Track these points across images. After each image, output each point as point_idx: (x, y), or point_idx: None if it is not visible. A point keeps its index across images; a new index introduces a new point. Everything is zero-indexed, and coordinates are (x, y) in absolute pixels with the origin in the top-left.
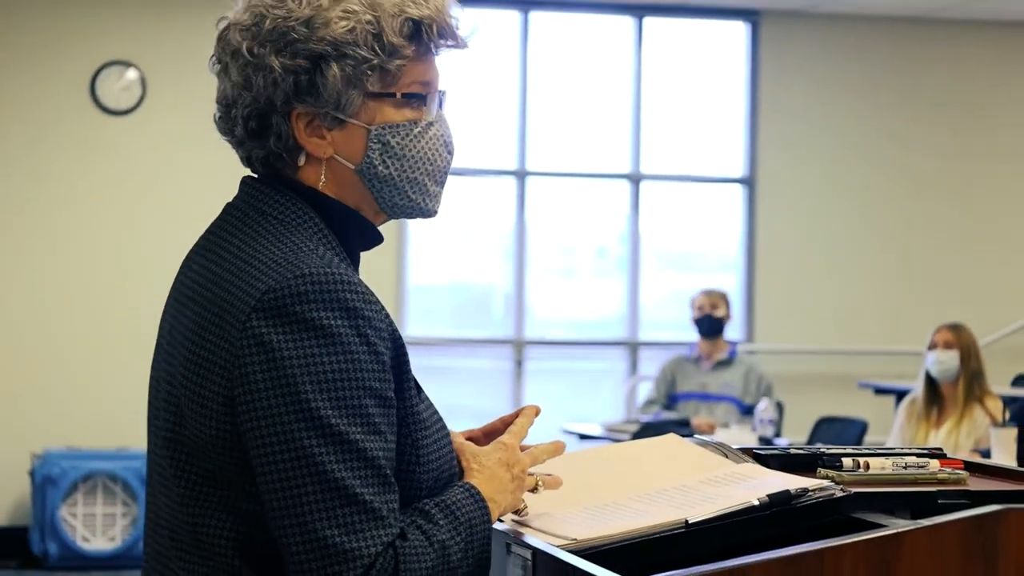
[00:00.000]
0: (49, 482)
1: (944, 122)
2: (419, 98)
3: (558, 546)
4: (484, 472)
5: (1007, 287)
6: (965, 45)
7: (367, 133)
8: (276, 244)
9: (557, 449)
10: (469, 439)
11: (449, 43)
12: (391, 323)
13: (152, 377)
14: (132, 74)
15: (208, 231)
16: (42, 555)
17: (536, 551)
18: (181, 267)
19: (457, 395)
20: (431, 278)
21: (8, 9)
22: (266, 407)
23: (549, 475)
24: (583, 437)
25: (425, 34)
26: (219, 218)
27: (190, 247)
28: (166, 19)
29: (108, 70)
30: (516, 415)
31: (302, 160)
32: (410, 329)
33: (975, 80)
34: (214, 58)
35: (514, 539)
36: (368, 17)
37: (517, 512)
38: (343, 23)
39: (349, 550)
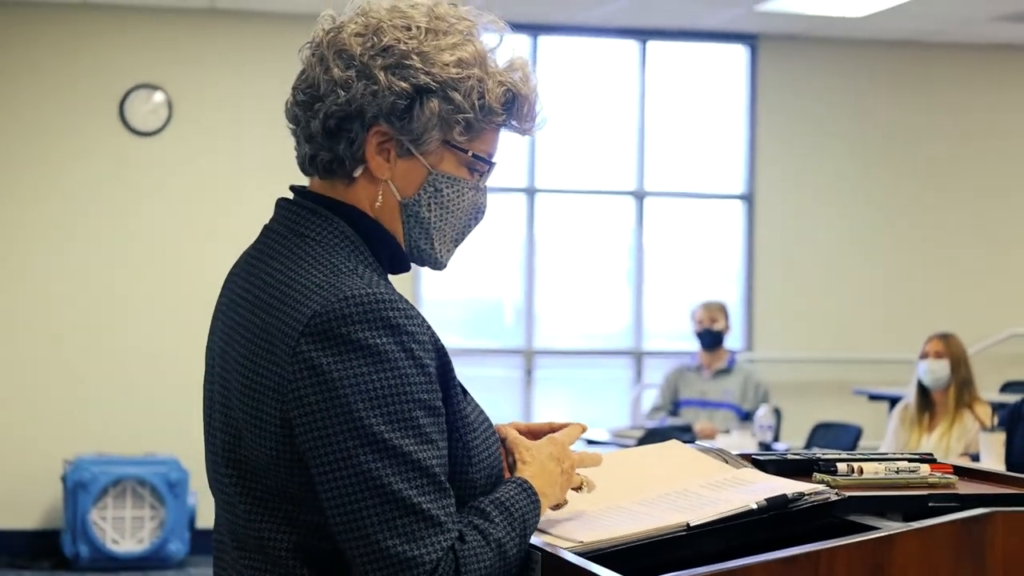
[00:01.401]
0: (80, 487)
1: (935, 140)
2: (484, 163)
3: (565, 548)
4: (535, 465)
5: (995, 297)
6: (958, 67)
7: (427, 174)
8: (317, 266)
9: (597, 460)
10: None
11: (521, 126)
12: (434, 334)
13: (206, 401)
14: (159, 97)
15: (249, 254)
16: (73, 557)
17: (544, 553)
18: (224, 289)
19: None
20: (445, 291)
21: (41, 37)
22: (322, 427)
23: (590, 479)
24: (591, 443)
25: (515, 110)
26: (258, 241)
27: (216, 262)
28: (191, 45)
29: (136, 93)
30: (565, 425)
31: (358, 172)
32: None
33: (967, 100)
34: (310, 46)
35: None
36: (479, 74)
37: (557, 507)
38: (456, 70)
39: (412, 557)
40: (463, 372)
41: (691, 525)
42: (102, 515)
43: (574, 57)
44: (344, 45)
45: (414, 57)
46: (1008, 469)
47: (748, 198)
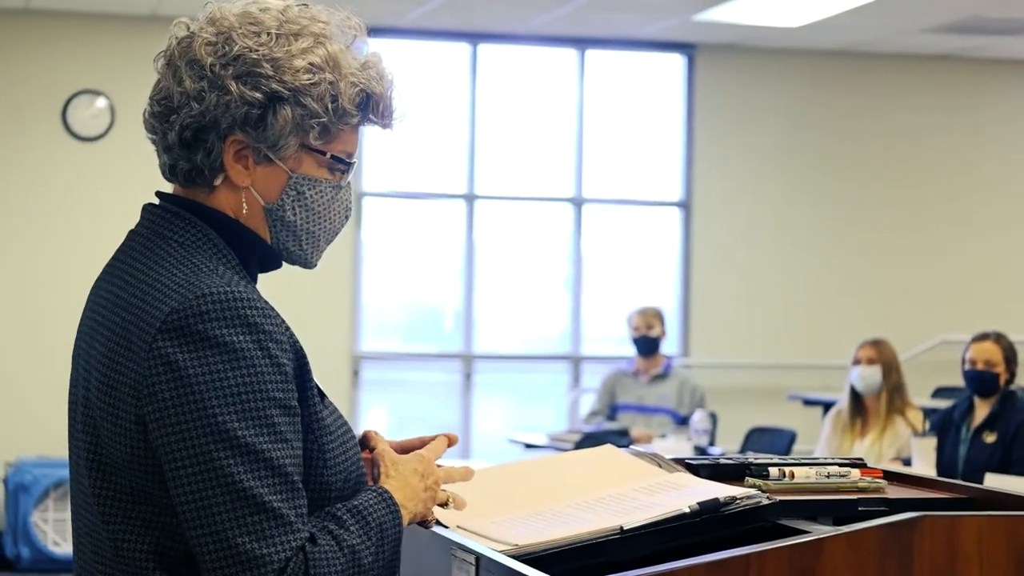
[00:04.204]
0: (22, 489)
1: (869, 149)
2: (344, 164)
3: (501, 551)
4: (398, 479)
5: (926, 304)
6: (893, 76)
7: (288, 178)
8: (177, 266)
9: (467, 475)
10: None
11: (380, 122)
12: (292, 335)
13: (70, 402)
14: (101, 102)
15: (113, 257)
16: (15, 559)
17: (480, 556)
18: (90, 294)
19: (410, 407)
20: (386, 296)
21: None
22: (175, 423)
23: (457, 495)
24: (529, 446)
25: (371, 109)
26: (123, 244)
27: None
28: (133, 51)
29: (79, 99)
30: (434, 437)
31: (218, 181)
32: (365, 344)
33: (902, 109)
34: (163, 56)
35: (458, 545)
36: (330, 78)
37: (425, 523)
38: (307, 76)
39: (260, 555)
40: (404, 376)
41: (624, 529)
42: (43, 517)
43: (513, 65)
44: (195, 55)
45: (265, 65)
46: (939, 474)
47: (685, 205)
